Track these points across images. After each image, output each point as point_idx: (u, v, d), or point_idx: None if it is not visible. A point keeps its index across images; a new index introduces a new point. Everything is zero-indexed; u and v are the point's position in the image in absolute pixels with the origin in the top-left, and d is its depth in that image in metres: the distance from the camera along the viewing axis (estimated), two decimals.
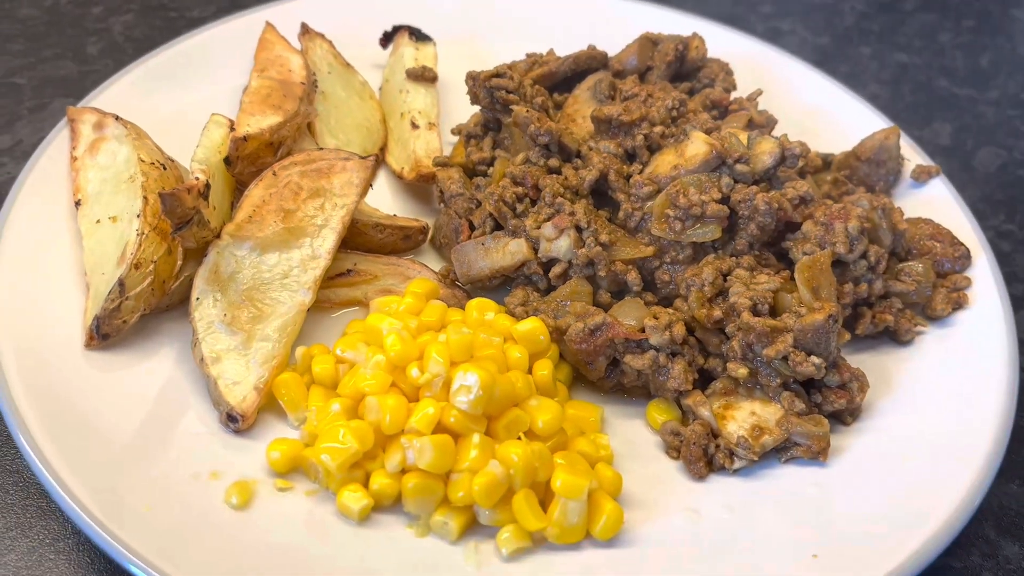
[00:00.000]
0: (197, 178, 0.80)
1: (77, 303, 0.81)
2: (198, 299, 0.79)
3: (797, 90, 1.12)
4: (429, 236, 0.95)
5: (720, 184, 0.83)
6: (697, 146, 0.85)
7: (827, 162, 1.00)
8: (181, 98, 1.01)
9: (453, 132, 1.03)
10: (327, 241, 0.84)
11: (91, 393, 0.75)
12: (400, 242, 0.92)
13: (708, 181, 0.83)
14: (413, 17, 1.13)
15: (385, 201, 0.98)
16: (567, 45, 1.10)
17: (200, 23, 1.27)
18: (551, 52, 1.05)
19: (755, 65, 1.14)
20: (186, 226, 0.77)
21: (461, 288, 0.89)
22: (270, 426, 0.77)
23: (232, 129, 0.88)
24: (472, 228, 0.90)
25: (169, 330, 0.82)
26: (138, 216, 0.81)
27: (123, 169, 0.86)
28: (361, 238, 0.90)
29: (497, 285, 0.89)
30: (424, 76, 1.05)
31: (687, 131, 0.87)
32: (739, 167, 0.84)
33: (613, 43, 1.07)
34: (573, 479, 0.69)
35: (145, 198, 0.81)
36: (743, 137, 0.88)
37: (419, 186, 0.99)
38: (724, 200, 0.83)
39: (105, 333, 0.77)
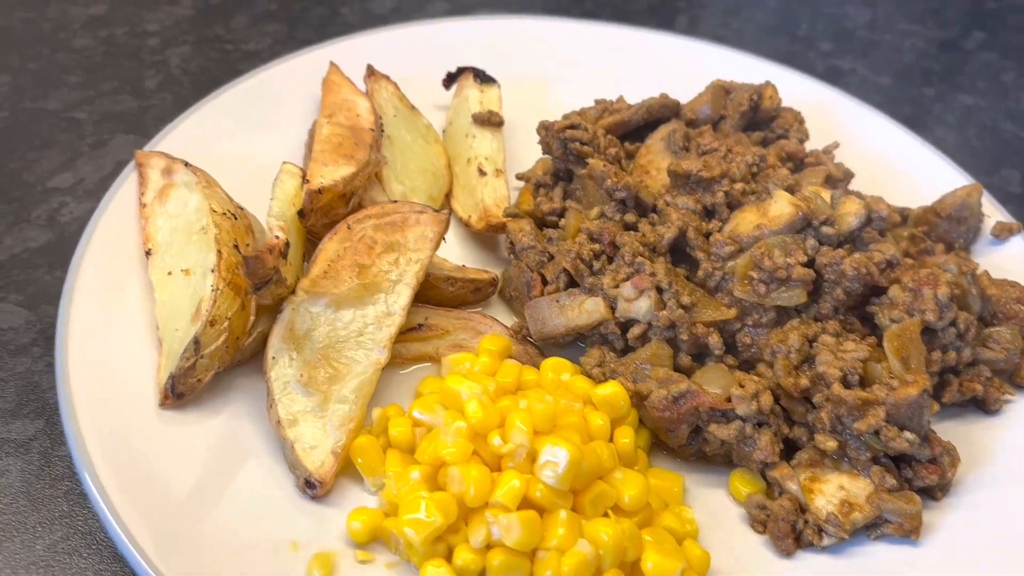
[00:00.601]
0: (277, 236, 0.78)
1: (149, 357, 0.79)
2: (274, 358, 0.77)
3: (867, 138, 1.10)
4: (499, 288, 0.93)
5: (805, 246, 0.81)
6: (781, 206, 0.83)
7: (904, 216, 0.98)
8: (246, 140, 1.00)
9: (519, 178, 1.01)
10: (402, 297, 0.82)
11: (164, 453, 0.74)
12: (470, 294, 0.91)
13: (793, 243, 0.81)
14: (471, 55, 1.12)
15: (450, 249, 0.96)
16: (629, 84, 1.09)
17: (256, 56, 1.27)
18: (621, 99, 1.03)
19: (822, 109, 1.12)
20: (265, 286, 0.75)
21: (533, 344, 0.87)
22: (345, 490, 0.75)
23: (304, 179, 0.87)
24: (544, 282, 0.88)
25: (241, 386, 0.80)
26: (212, 271, 0.79)
27: (194, 219, 0.85)
28: (432, 291, 0.88)
29: (570, 342, 0.87)
30: (491, 121, 1.03)
31: (769, 189, 0.85)
32: (824, 229, 0.82)
33: (676, 83, 1.05)
34: (665, 560, 0.67)
35: (219, 251, 0.80)
36: (826, 195, 0.86)
37: (485, 234, 0.97)
38: (809, 263, 0.81)
39: (180, 392, 0.76)
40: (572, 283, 0.87)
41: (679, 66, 1.16)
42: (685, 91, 1.03)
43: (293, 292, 0.80)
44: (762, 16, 1.48)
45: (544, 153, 0.96)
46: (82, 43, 1.26)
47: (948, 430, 0.81)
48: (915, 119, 1.28)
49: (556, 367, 0.81)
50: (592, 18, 1.27)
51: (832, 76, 1.33)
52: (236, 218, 0.85)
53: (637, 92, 1.04)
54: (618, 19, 1.28)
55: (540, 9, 1.44)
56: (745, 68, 1.14)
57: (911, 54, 1.43)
